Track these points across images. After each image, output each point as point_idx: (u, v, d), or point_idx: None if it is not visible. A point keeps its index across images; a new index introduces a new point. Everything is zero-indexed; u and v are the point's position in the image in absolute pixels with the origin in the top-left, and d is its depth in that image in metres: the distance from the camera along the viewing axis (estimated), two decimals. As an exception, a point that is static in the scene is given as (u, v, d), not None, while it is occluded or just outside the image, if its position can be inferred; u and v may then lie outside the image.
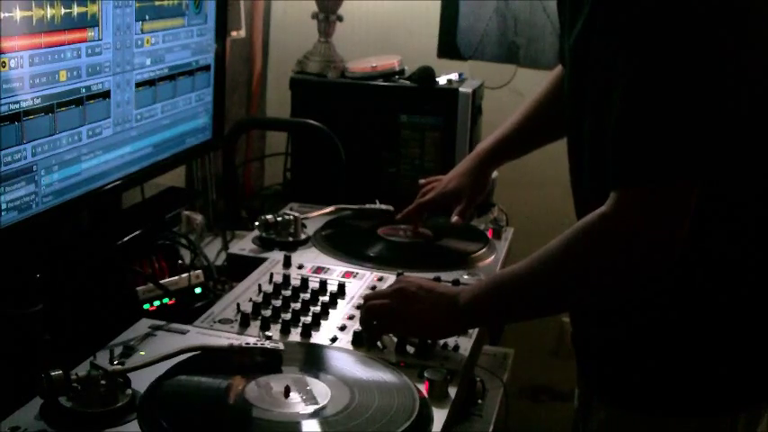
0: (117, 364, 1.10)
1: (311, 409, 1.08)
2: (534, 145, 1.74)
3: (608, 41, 1.15)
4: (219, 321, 1.35)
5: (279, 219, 1.71)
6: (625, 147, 1.11)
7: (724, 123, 1.10)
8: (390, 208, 1.87)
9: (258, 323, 1.34)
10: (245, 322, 1.34)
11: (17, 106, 1.25)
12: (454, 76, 2.19)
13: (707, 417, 1.25)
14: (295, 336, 1.32)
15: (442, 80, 2.17)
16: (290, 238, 1.71)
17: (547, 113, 1.65)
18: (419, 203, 1.77)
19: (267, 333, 1.27)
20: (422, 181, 1.84)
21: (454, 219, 1.73)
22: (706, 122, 1.09)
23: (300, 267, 1.57)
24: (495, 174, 2.05)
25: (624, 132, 1.11)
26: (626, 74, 1.10)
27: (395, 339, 1.30)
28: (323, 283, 1.49)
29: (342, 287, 1.48)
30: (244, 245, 1.71)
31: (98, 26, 1.42)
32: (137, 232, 1.58)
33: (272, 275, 1.52)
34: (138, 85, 1.58)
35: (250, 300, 1.41)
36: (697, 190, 1.10)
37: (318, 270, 1.57)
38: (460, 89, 2.12)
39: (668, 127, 1.08)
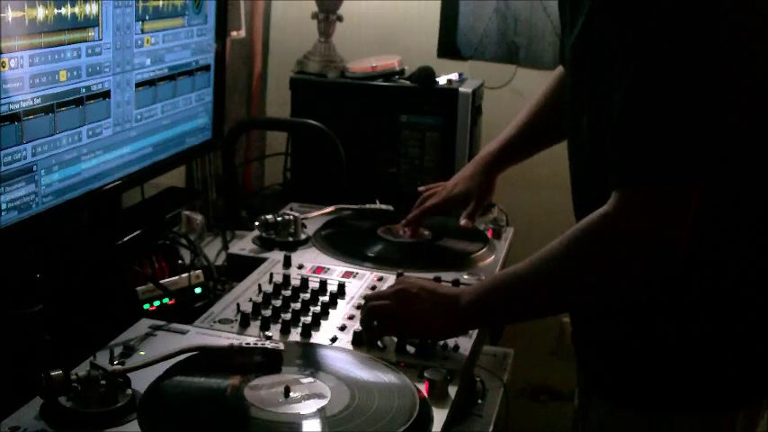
0: (117, 364, 1.10)
1: (311, 409, 1.08)
2: (540, 147, 1.74)
3: (608, 42, 1.15)
4: (219, 321, 1.35)
5: (279, 219, 1.71)
6: (627, 147, 1.11)
7: (725, 124, 1.10)
8: (390, 208, 1.86)
9: (258, 323, 1.34)
10: (245, 322, 1.34)
11: (17, 106, 1.25)
12: (454, 76, 2.19)
13: (706, 414, 1.25)
14: (295, 336, 1.32)
15: (442, 80, 2.17)
16: (290, 238, 1.71)
17: (551, 115, 1.65)
18: (424, 208, 1.75)
19: (267, 333, 1.27)
20: (421, 188, 1.83)
21: (463, 222, 1.73)
22: (707, 123, 1.09)
23: (300, 267, 1.57)
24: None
25: (626, 133, 1.11)
26: (627, 74, 1.10)
27: (395, 339, 1.30)
28: (323, 283, 1.49)
29: (342, 287, 1.48)
30: (244, 245, 1.71)
31: (98, 26, 1.42)
32: (137, 232, 1.58)
33: (272, 275, 1.52)
34: (138, 85, 1.58)
35: (250, 300, 1.41)
36: (698, 190, 1.10)
37: (318, 270, 1.57)
38: (460, 89, 2.12)
39: (669, 127, 1.08)
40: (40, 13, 1.27)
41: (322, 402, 1.10)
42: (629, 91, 1.10)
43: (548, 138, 1.70)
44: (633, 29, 1.10)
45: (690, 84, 1.08)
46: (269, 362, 1.18)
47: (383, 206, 1.88)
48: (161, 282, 1.52)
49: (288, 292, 1.44)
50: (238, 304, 1.39)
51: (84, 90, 1.40)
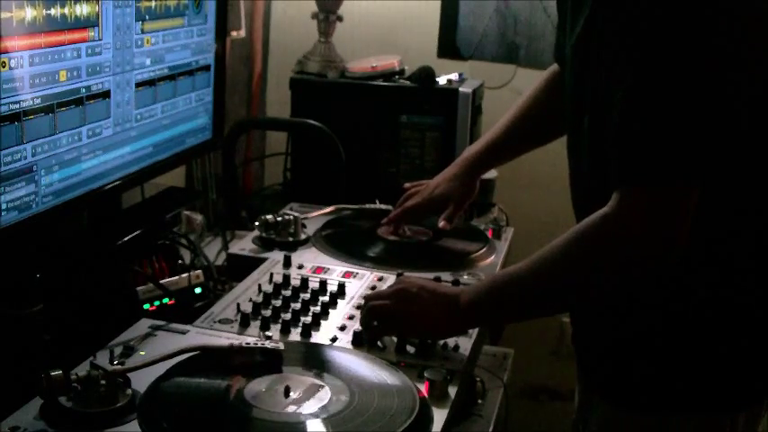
0: (117, 364, 1.10)
1: (311, 408, 1.08)
2: (523, 149, 1.73)
3: (609, 42, 1.15)
4: (219, 321, 1.35)
5: (279, 219, 1.71)
6: (627, 147, 1.11)
7: (725, 123, 1.10)
8: (390, 208, 1.86)
9: (258, 323, 1.34)
10: (245, 322, 1.34)
11: (17, 106, 1.25)
12: (454, 76, 2.19)
13: (707, 415, 1.25)
14: (295, 336, 1.32)
15: (442, 80, 2.17)
16: (290, 238, 1.71)
17: (536, 117, 1.65)
18: (405, 208, 1.75)
19: (267, 333, 1.27)
20: (407, 184, 1.82)
21: (441, 224, 1.72)
22: (708, 122, 1.09)
23: (300, 267, 1.57)
24: (494, 174, 2.05)
25: (626, 133, 1.11)
26: (627, 74, 1.10)
27: (395, 339, 1.30)
28: (323, 283, 1.49)
29: (342, 287, 1.48)
30: (244, 245, 1.71)
31: (98, 26, 1.42)
32: (137, 232, 1.58)
33: (272, 275, 1.52)
34: (138, 85, 1.58)
35: (250, 300, 1.41)
36: (698, 190, 1.10)
37: (318, 270, 1.57)
38: (460, 89, 2.12)
39: (670, 127, 1.08)
40: (40, 13, 1.27)
41: (322, 402, 1.10)
42: (630, 90, 1.10)
43: (533, 140, 1.70)
44: (634, 28, 1.10)
45: (691, 83, 1.08)
46: (269, 362, 1.18)
47: (383, 206, 1.88)
48: (161, 282, 1.52)
49: (288, 292, 1.44)
50: (238, 304, 1.39)
51: (84, 90, 1.40)
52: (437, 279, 1.50)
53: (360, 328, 1.31)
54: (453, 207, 1.72)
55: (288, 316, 1.35)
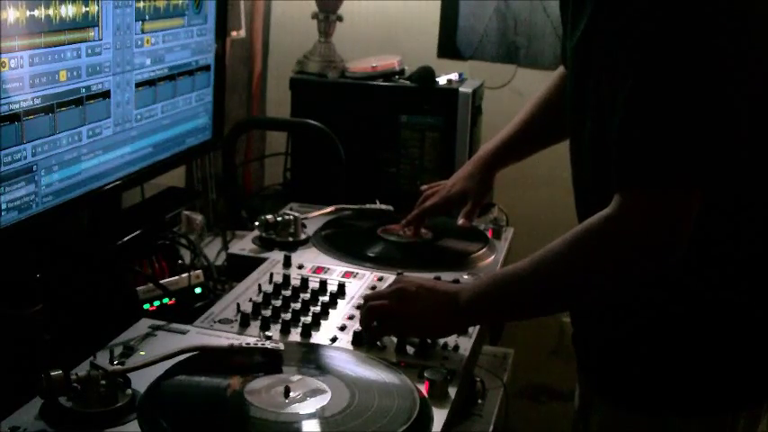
0: (117, 364, 1.10)
1: (311, 409, 1.08)
2: (538, 146, 1.74)
3: (610, 43, 1.15)
4: (219, 321, 1.35)
5: (279, 219, 1.71)
6: (629, 149, 1.11)
7: (726, 124, 1.10)
8: (390, 208, 1.86)
9: (258, 323, 1.34)
10: (245, 322, 1.34)
11: (17, 106, 1.25)
12: (454, 76, 2.19)
13: (707, 416, 1.25)
14: (295, 336, 1.32)
15: (442, 80, 2.17)
16: (290, 238, 1.71)
17: (551, 114, 1.65)
18: (423, 208, 1.76)
19: (267, 333, 1.27)
20: (423, 186, 1.83)
21: (461, 221, 1.74)
22: (709, 124, 1.08)
23: (300, 267, 1.57)
24: (495, 174, 2.05)
25: (628, 135, 1.11)
26: (629, 76, 1.10)
27: (395, 339, 1.30)
28: (323, 283, 1.49)
29: (342, 287, 1.48)
30: (244, 245, 1.71)
31: (98, 26, 1.42)
32: (137, 232, 1.58)
33: (272, 275, 1.52)
34: (138, 85, 1.58)
35: (250, 300, 1.41)
36: (700, 192, 1.10)
37: (318, 270, 1.57)
38: (460, 89, 2.12)
39: (672, 129, 1.08)
40: (40, 13, 1.27)
41: (322, 402, 1.10)
42: (632, 92, 1.10)
43: (546, 137, 1.70)
44: (635, 30, 1.10)
45: (691, 84, 1.08)
46: (269, 362, 1.18)
47: (383, 206, 1.88)
48: (161, 282, 1.52)
49: (288, 292, 1.44)
50: (238, 304, 1.39)
51: (84, 90, 1.40)
52: (437, 279, 1.49)
53: (360, 328, 1.31)
54: (471, 204, 1.74)
55: (288, 316, 1.35)
